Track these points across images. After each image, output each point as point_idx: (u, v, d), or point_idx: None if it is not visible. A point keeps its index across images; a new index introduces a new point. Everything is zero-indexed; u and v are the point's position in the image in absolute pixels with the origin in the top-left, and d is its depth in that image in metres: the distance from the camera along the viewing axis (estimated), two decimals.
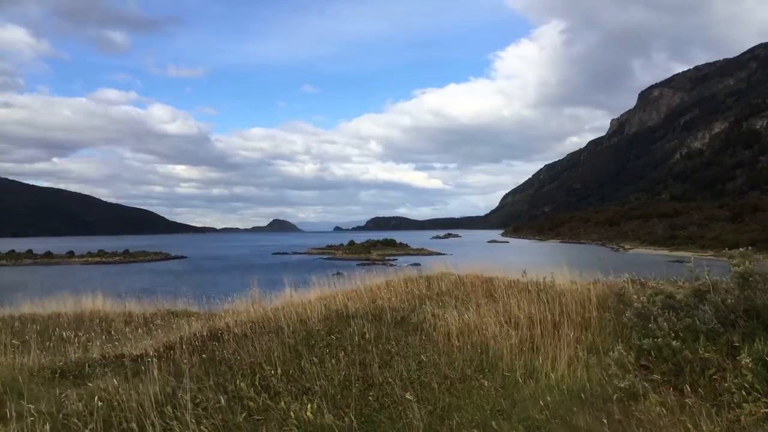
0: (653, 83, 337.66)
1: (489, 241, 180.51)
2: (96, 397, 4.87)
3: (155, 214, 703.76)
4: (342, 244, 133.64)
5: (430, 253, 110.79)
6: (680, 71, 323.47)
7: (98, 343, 8.08)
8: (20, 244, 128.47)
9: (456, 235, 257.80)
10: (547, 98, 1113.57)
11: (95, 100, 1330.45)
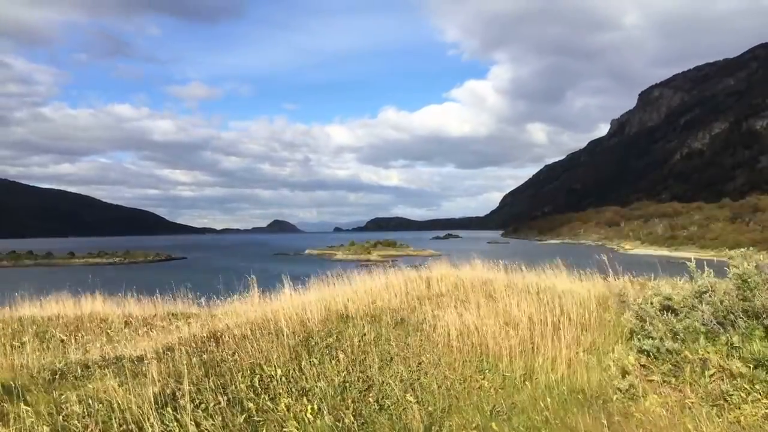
0: (652, 84, 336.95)
1: (489, 242, 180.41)
2: (95, 399, 4.87)
3: (156, 215, 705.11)
4: (342, 245, 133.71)
5: (431, 254, 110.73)
6: (680, 71, 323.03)
7: (98, 345, 8.08)
8: (21, 245, 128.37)
9: (456, 236, 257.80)
10: (504, 117, 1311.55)
11: (105, 113, 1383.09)
